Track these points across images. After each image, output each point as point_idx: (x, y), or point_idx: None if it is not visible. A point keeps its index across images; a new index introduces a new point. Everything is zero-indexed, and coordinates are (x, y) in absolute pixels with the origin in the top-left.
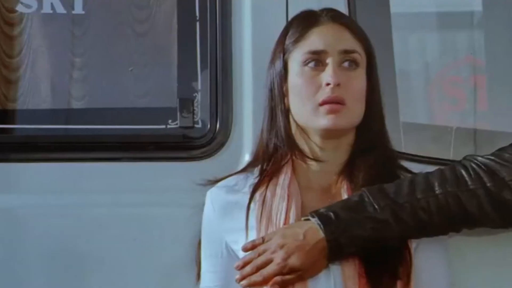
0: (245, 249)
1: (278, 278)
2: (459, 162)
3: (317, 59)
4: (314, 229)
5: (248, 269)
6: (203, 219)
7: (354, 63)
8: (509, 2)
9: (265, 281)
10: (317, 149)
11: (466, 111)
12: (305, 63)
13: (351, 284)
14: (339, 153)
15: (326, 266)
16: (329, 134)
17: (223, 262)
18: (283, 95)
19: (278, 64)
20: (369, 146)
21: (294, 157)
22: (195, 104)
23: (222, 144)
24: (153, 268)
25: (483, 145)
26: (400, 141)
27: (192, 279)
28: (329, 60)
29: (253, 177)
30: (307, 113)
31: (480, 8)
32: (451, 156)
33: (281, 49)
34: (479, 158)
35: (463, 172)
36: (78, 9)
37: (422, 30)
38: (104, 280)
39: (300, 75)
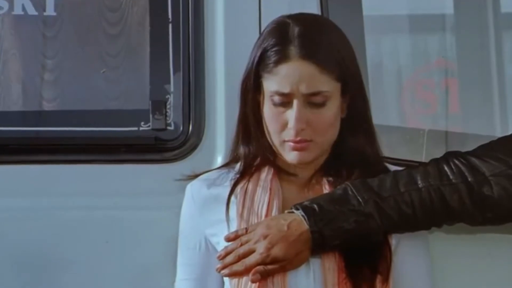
0: (227, 239)
1: (260, 267)
2: (442, 157)
3: (283, 99)
4: (298, 220)
5: (230, 258)
6: (182, 212)
7: (321, 102)
8: (480, 5)
9: (247, 270)
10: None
11: (438, 114)
12: (273, 99)
13: (330, 277)
14: (313, 164)
15: (309, 258)
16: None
17: (201, 255)
18: (255, 114)
19: (250, 84)
20: (351, 145)
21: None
22: (168, 106)
23: (195, 146)
24: (126, 271)
25: (455, 147)
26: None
27: (165, 282)
28: (295, 101)
29: (234, 172)
30: (274, 143)
31: (451, 11)
32: (423, 158)
33: (253, 70)
34: (462, 154)
35: (445, 167)
36: (50, 10)
37: (394, 33)
38: (76, 283)
39: (268, 108)
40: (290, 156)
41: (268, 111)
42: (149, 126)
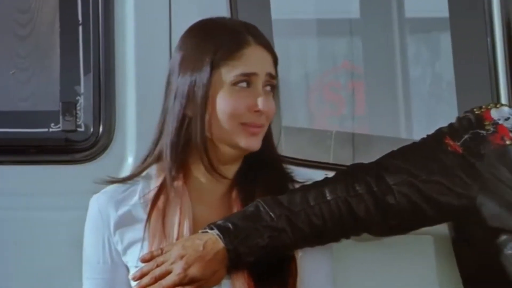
0: (143, 260)
1: None
2: (348, 169)
3: (247, 80)
4: (213, 239)
5: (146, 280)
6: (87, 225)
7: (272, 88)
8: (385, 10)
9: None
10: (218, 163)
11: (344, 116)
12: (236, 83)
13: None
14: (234, 166)
15: (227, 275)
16: (242, 152)
17: (106, 269)
18: (205, 106)
19: (205, 76)
20: (259, 157)
21: (188, 170)
22: (78, 108)
23: (105, 148)
24: (34, 271)
25: (361, 148)
26: (281, 145)
27: (73, 283)
28: (258, 83)
29: (142, 186)
30: (228, 129)
31: (358, 15)
32: (331, 159)
33: (209, 62)
34: (366, 165)
35: (352, 178)
36: None
37: (302, 36)
38: None
39: (229, 94)
40: (243, 141)
41: (228, 98)
42: (59, 127)
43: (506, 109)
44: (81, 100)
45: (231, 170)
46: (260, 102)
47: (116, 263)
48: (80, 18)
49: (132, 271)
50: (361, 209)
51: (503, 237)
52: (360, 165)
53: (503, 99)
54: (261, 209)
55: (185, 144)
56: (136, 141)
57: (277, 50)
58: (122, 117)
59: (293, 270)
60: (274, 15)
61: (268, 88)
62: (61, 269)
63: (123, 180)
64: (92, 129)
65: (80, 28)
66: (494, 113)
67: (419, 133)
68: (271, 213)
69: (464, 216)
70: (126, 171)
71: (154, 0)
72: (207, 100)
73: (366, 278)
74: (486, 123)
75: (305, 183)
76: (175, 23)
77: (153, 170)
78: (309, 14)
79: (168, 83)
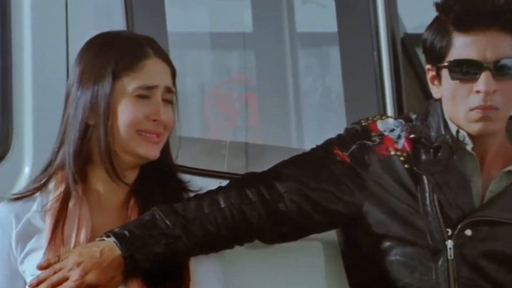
0: (40, 267)
1: None
2: (242, 178)
3: (148, 93)
4: (110, 247)
5: (43, 286)
6: None
7: (171, 99)
8: (277, 25)
9: None
10: (120, 170)
11: (238, 126)
12: (136, 94)
13: None
14: (134, 172)
15: (122, 282)
16: (141, 160)
17: (6, 281)
18: (108, 115)
19: (107, 86)
20: (156, 166)
21: (86, 179)
22: None
23: (1, 157)
24: None
25: (255, 158)
26: (177, 155)
27: None
28: (157, 95)
29: (41, 197)
30: (127, 137)
31: (251, 29)
32: (225, 169)
33: (110, 72)
34: (259, 173)
35: (245, 187)
36: None
37: (197, 49)
38: None
39: (129, 103)
40: (143, 149)
41: (128, 108)
42: None
43: (391, 120)
44: None
45: (130, 177)
46: (159, 112)
47: (16, 274)
48: None
49: (29, 280)
50: (254, 216)
51: (387, 244)
52: (253, 174)
53: (389, 110)
54: (157, 217)
55: (86, 154)
56: (33, 150)
57: (173, 62)
58: (20, 126)
59: (186, 276)
60: (170, 28)
61: (167, 99)
62: None
63: (30, 194)
64: None
65: None
66: (380, 125)
67: (310, 143)
68: (166, 221)
69: (351, 223)
70: (23, 181)
71: (51, 13)
72: (109, 109)
73: (257, 283)
74: (372, 134)
75: (198, 192)
76: (72, 34)
77: (51, 181)
78: (204, 28)
79: (68, 94)
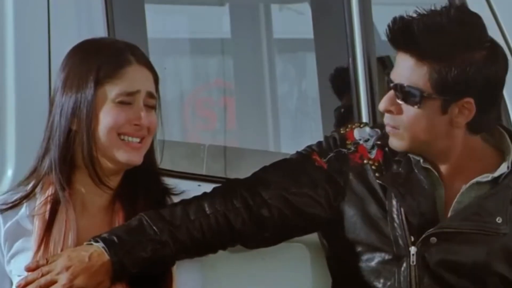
0: (28, 269)
1: None
2: (226, 184)
3: (129, 99)
4: (99, 252)
5: None
6: None
7: (153, 105)
8: (255, 31)
9: None
10: (103, 175)
11: (217, 130)
12: (118, 100)
13: None
14: (117, 177)
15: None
16: (124, 166)
17: None
18: (91, 122)
19: (89, 93)
20: (140, 170)
21: (71, 183)
22: None
23: None
24: None
25: (233, 161)
26: (161, 159)
27: None
28: (139, 100)
29: (29, 200)
30: (108, 143)
31: (229, 36)
32: (204, 171)
33: (93, 79)
34: (243, 180)
35: (229, 194)
36: None
37: (176, 54)
38: None
39: (111, 109)
40: (125, 155)
41: (111, 113)
42: None
43: (367, 130)
44: None
45: (114, 181)
46: (141, 117)
47: (3, 274)
48: None
49: (16, 280)
50: (238, 222)
51: (359, 249)
52: (237, 181)
53: (364, 115)
54: (145, 223)
55: (70, 158)
56: (16, 153)
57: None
58: (2, 130)
59: (168, 278)
60: (150, 34)
61: (149, 104)
62: None
63: (18, 203)
64: None
65: None
66: (357, 133)
67: (286, 146)
68: (154, 227)
69: (329, 227)
70: (5, 184)
71: (33, 19)
72: (92, 115)
73: (241, 285)
74: (348, 142)
75: (180, 195)
76: (54, 40)
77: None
78: (183, 34)
79: (52, 101)
